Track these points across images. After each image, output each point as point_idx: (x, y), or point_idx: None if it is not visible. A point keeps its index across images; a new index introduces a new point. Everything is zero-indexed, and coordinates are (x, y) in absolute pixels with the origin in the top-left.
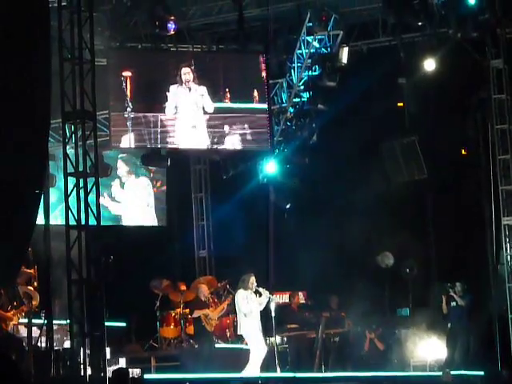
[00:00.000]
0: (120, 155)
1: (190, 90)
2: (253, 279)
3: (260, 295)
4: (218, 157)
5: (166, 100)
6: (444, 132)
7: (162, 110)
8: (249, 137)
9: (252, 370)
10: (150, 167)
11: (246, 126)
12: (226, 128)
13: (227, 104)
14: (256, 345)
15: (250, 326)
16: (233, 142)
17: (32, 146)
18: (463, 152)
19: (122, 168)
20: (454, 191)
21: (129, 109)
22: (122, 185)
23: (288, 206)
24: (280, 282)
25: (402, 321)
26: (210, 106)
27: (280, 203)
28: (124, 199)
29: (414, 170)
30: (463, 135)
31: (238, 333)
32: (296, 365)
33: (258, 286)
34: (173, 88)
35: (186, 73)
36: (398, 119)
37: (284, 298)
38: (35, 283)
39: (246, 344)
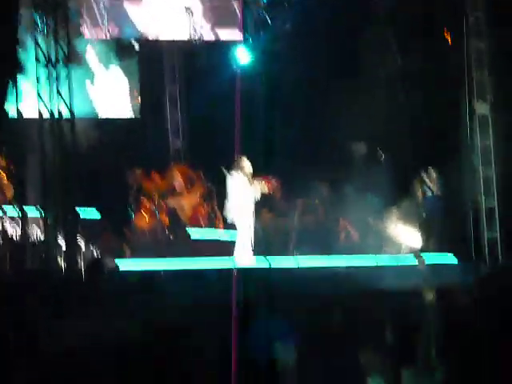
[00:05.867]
0: (91, 44)
1: None
2: (247, 163)
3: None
4: (191, 47)
5: None
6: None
7: None
8: (222, 26)
9: (243, 254)
10: (121, 61)
11: (218, 15)
12: (199, 17)
13: None
14: (243, 229)
15: (239, 210)
16: (205, 31)
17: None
18: None
19: (92, 59)
20: (427, 73)
21: None
22: (93, 76)
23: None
24: (254, 169)
25: (375, 208)
26: None
27: (254, 88)
28: (98, 89)
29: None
30: None
31: (227, 218)
32: (270, 252)
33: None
34: None
35: None
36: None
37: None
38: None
39: (222, 232)
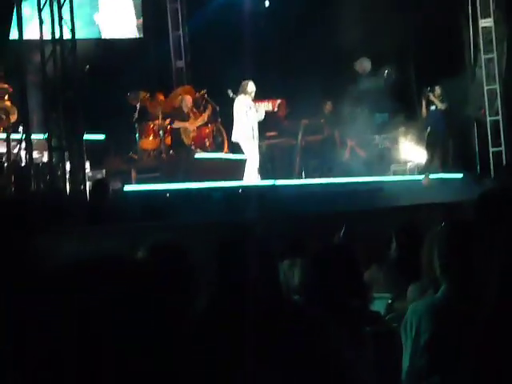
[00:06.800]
0: None
1: None
2: (252, 85)
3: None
4: None
5: None
6: None
7: None
8: None
9: (250, 177)
10: None
11: None
12: None
13: None
14: (250, 152)
15: (245, 132)
16: None
17: None
18: None
19: None
20: None
21: None
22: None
23: (267, 5)
24: (258, 89)
25: (381, 126)
26: None
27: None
28: (101, 11)
29: None
30: None
31: (232, 139)
32: (276, 172)
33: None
34: None
35: None
36: None
37: (263, 105)
38: (8, 99)
39: (226, 153)
